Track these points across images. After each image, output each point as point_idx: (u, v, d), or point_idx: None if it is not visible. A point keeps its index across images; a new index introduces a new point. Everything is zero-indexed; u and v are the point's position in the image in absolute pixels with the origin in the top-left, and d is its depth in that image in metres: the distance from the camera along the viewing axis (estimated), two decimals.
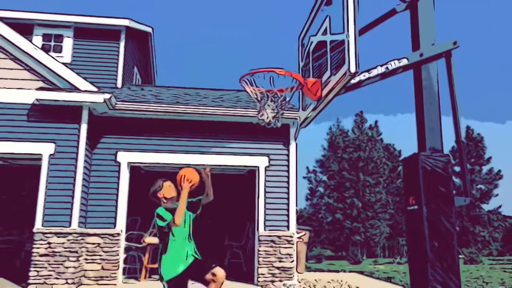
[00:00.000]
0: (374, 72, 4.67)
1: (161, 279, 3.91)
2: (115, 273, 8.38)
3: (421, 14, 4.91)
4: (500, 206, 35.39)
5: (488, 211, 34.94)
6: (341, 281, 9.66)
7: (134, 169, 9.45)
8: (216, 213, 12.11)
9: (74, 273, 7.78)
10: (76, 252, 7.89)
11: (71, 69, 8.69)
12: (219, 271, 3.87)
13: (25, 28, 10.07)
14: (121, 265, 8.67)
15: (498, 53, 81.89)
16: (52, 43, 10.62)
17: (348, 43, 3.97)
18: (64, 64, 8.78)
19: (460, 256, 14.50)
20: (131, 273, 9.26)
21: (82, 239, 8.21)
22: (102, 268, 8.35)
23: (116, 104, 8.72)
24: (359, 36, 4.04)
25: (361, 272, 13.37)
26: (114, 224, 8.60)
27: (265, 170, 9.19)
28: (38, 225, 7.85)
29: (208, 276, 3.87)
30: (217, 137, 9.24)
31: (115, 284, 8.32)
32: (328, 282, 9.42)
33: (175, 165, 9.37)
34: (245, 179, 10.73)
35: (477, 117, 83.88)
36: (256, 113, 4.95)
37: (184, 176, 3.96)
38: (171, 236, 3.89)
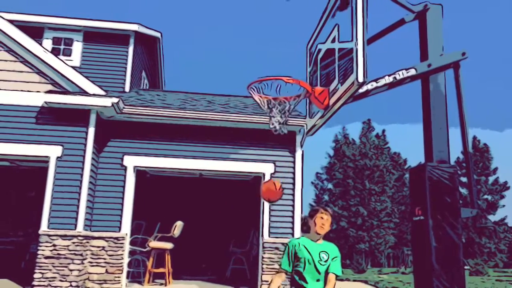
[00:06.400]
0: (382, 82, 4.67)
1: None
2: (119, 277, 8.39)
3: (430, 25, 4.92)
4: (505, 217, 35.19)
5: (494, 222, 34.67)
6: None
7: (140, 173, 9.48)
8: (221, 220, 12.13)
9: (78, 276, 7.79)
10: (81, 255, 7.91)
11: (80, 72, 8.75)
12: None
13: (35, 32, 10.16)
14: (125, 268, 8.67)
15: (497, 61, 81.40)
16: (62, 47, 10.71)
17: (357, 52, 3.99)
18: (73, 67, 8.85)
19: (465, 267, 14.34)
20: (135, 277, 9.26)
21: (87, 242, 8.23)
22: (106, 272, 8.36)
23: (123, 108, 8.77)
24: (368, 45, 4.05)
25: (366, 281, 13.28)
26: (119, 227, 8.62)
27: (271, 176, 9.18)
28: (43, 227, 7.88)
29: None
30: (222, 143, 9.24)
31: None
32: None
33: (180, 170, 9.39)
34: (250, 186, 10.72)
35: (479, 125, 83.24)
36: (264, 119, 4.98)
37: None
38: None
